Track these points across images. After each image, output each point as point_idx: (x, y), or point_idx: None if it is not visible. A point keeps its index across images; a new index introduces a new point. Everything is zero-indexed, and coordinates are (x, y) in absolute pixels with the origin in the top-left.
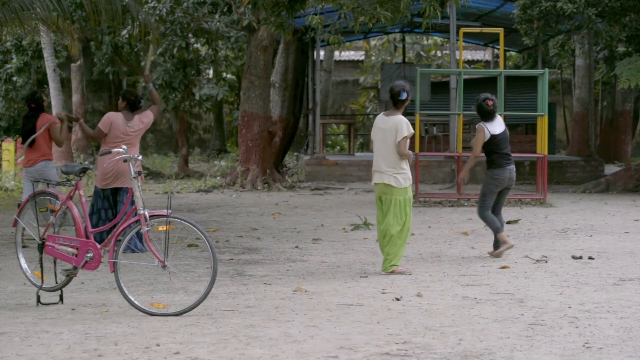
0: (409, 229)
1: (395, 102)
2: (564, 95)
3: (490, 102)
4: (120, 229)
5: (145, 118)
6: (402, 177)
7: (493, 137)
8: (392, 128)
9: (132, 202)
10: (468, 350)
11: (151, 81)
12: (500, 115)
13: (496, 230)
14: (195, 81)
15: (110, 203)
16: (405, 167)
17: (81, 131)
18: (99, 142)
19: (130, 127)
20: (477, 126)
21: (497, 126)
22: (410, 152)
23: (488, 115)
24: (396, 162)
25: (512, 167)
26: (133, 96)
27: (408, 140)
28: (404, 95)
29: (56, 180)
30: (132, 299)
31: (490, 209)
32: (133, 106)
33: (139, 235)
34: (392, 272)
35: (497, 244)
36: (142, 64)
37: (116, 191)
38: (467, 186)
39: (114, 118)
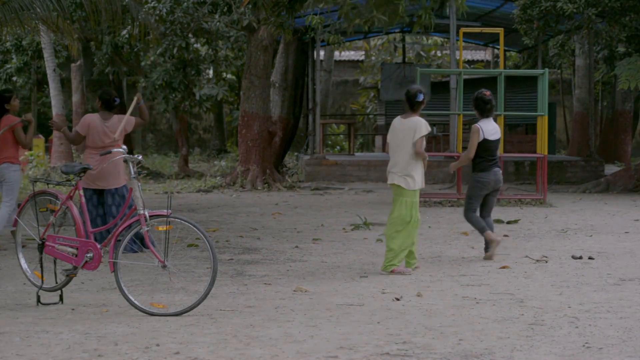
0: (415, 231)
1: (412, 105)
2: (564, 95)
3: (487, 93)
4: (120, 229)
5: (126, 124)
6: (412, 180)
7: (486, 141)
8: (410, 129)
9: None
10: (468, 350)
11: (144, 94)
12: (499, 116)
13: (481, 230)
14: (195, 81)
15: (93, 204)
16: (416, 170)
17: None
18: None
19: (107, 127)
20: (472, 127)
21: (492, 130)
22: (426, 153)
23: (485, 107)
24: (408, 164)
25: (498, 169)
26: (108, 95)
27: (424, 140)
28: (420, 97)
29: (19, 184)
30: (132, 299)
31: (476, 211)
32: (108, 105)
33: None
34: (392, 272)
35: (488, 246)
36: (142, 64)
37: (101, 192)
38: (465, 186)
39: (90, 119)
